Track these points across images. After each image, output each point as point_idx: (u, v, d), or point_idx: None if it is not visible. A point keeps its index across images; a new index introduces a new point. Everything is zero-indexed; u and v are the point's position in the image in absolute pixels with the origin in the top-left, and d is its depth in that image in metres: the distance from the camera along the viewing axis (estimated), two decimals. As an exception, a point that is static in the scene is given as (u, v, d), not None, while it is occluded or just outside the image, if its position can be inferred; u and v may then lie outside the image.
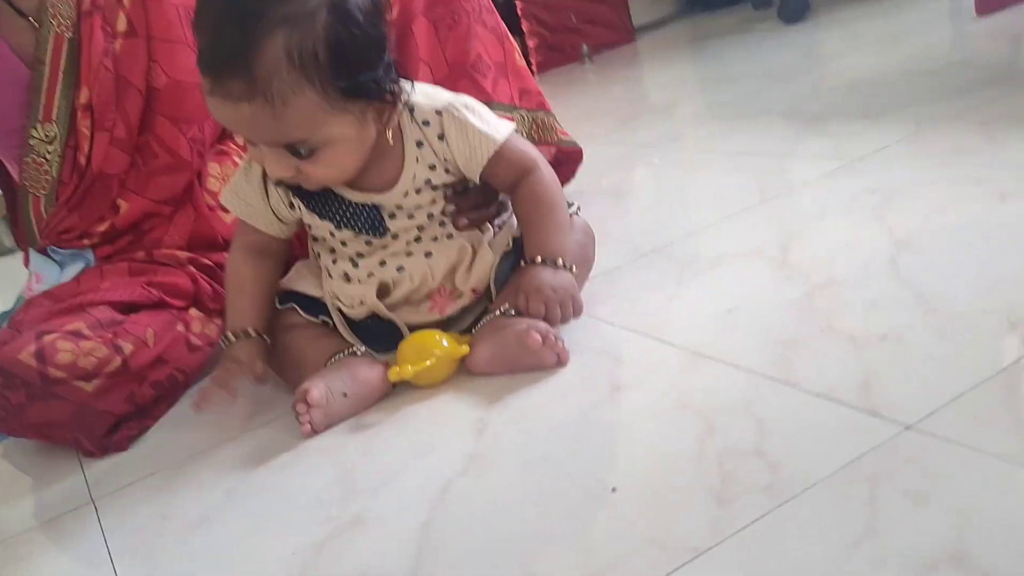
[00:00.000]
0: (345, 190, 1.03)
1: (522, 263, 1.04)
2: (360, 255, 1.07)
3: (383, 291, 1.08)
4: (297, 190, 1.03)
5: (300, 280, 1.13)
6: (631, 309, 1.10)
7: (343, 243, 1.07)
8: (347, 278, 1.09)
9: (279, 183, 1.02)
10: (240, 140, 1.35)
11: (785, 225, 1.25)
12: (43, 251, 1.26)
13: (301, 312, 1.11)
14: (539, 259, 1.02)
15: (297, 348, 1.09)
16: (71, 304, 1.14)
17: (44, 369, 1.07)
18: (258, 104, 0.88)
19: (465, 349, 1.02)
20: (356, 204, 1.04)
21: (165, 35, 1.24)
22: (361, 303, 1.09)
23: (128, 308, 1.17)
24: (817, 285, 1.03)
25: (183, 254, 1.26)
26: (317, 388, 0.98)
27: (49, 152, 1.22)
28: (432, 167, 1.04)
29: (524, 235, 1.06)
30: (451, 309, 1.10)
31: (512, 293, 1.04)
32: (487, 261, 1.09)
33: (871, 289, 0.98)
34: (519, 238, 1.09)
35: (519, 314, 1.00)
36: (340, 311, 1.11)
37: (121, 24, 1.23)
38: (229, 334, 1.08)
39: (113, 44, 1.22)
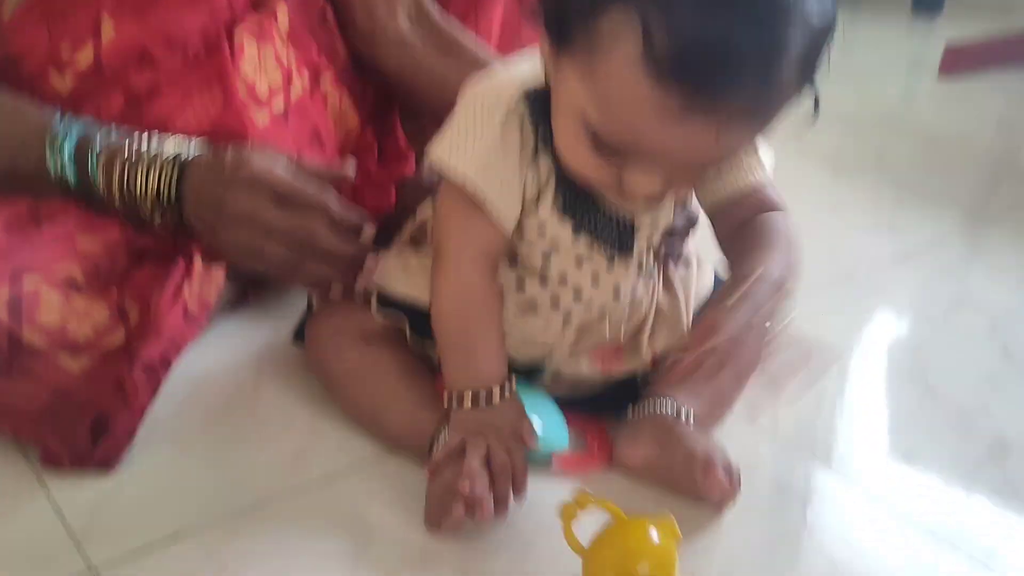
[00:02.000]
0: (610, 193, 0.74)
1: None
2: (562, 279, 0.78)
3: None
4: (562, 173, 0.73)
5: (412, 282, 0.81)
6: (779, 413, 0.92)
7: (546, 256, 0.77)
8: (532, 311, 0.79)
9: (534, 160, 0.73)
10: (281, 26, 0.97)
11: (896, 329, 1.12)
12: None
13: (408, 331, 0.81)
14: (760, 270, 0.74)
15: (385, 387, 0.80)
16: (59, 232, 0.75)
17: (18, 329, 0.70)
18: (755, 124, 0.64)
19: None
20: (612, 212, 0.76)
21: None
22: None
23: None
24: (992, 444, 0.91)
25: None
26: (487, 491, 0.70)
27: None
28: None
29: (736, 256, 0.79)
30: (617, 370, 0.84)
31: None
32: (682, 323, 0.84)
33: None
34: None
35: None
36: None
37: None
38: (495, 391, 0.74)
39: None
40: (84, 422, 0.74)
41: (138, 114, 0.89)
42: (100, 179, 0.79)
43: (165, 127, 0.89)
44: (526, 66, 0.74)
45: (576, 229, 0.75)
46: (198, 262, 0.86)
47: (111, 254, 0.77)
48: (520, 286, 0.78)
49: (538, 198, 0.74)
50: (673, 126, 0.61)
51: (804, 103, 0.67)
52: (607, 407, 0.84)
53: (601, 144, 0.66)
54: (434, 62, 1.00)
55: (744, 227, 0.79)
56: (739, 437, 0.86)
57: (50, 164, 0.80)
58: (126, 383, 0.77)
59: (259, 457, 0.78)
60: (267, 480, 0.76)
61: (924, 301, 1.20)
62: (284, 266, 0.80)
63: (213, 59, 0.90)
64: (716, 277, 0.88)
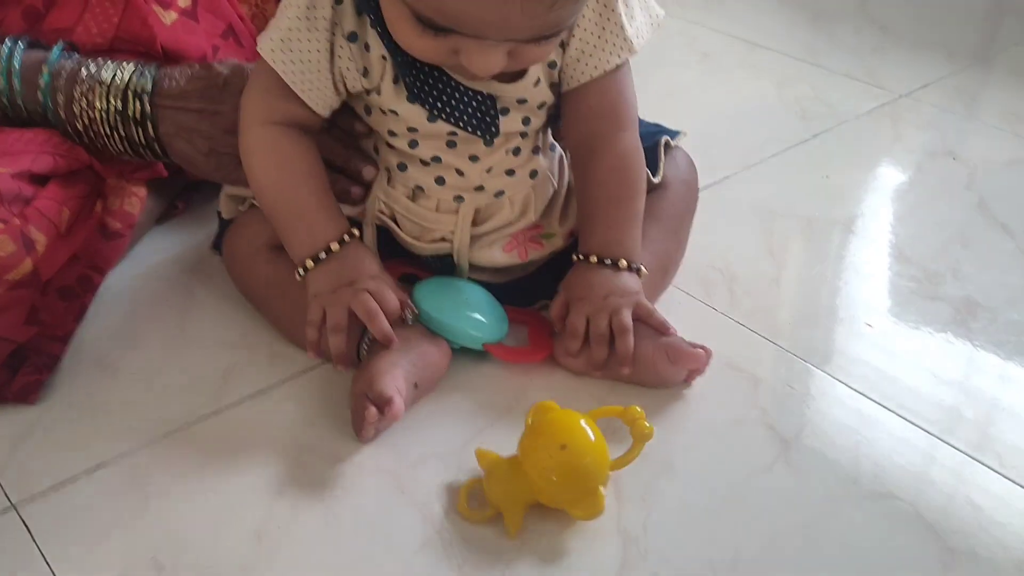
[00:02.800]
0: (458, 73, 0.70)
1: (574, 258, 0.77)
2: (436, 160, 0.74)
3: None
4: (400, 59, 0.68)
5: None
6: (734, 291, 0.88)
7: (412, 143, 0.74)
8: (421, 194, 0.76)
9: (344, 39, 0.69)
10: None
11: (863, 186, 1.06)
12: None
13: None
14: (594, 258, 0.76)
15: (303, 296, 0.76)
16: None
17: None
18: None
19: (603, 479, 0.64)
20: (467, 90, 0.70)
21: None
22: (443, 239, 0.78)
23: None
24: (958, 303, 0.87)
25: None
26: (400, 391, 0.68)
27: None
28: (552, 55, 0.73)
29: (583, 218, 0.78)
30: (536, 254, 0.81)
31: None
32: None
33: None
34: None
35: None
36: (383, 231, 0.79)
37: None
38: (334, 245, 0.72)
39: None
40: (-2, 356, 0.72)
41: (36, 29, 0.84)
42: (56, 101, 0.77)
43: (65, 37, 0.84)
44: None
45: (431, 117, 0.71)
46: (113, 179, 0.83)
47: (11, 182, 0.73)
48: (403, 168, 0.75)
49: (380, 85, 0.70)
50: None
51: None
52: (544, 290, 0.80)
53: (424, 22, 0.62)
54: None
55: (592, 168, 0.76)
56: (690, 317, 0.83)
57: None
58: (41, 312, 0.74)
59: (188, 377, 0.76)
60: (196, 400, 0.73)
61: (900, 154, 1.14)
62: None
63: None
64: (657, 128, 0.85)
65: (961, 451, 0.71)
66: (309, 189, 0.72)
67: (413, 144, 0.73)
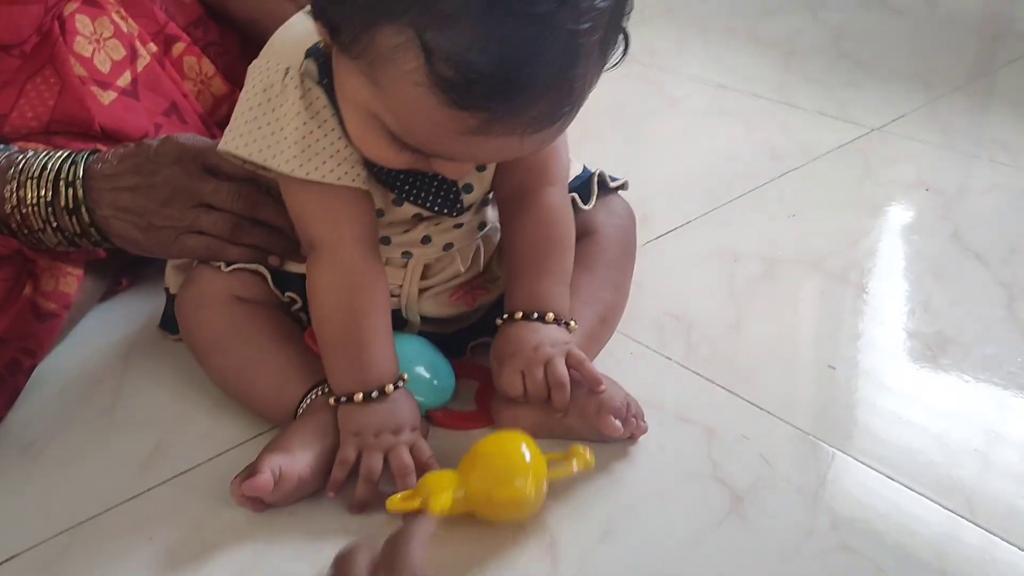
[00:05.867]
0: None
1: (498, 321, 0.74)
2: (391, 224, 0.73)
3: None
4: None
5: None
6: (691, 338, 0.84)
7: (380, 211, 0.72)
8: None
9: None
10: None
11: (832, 223, 1.02)
12: None
13: (271, 282, 0.76)
14: (519, 314, 0.72)
15: (252, 349, 0.74)
16: None
17: None
18: (559, 124, 0.59)
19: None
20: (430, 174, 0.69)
21: None
22: (391, 295, 0.75)
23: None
24: (928, 339, 0.82)
25: (36, 146, 0.82)
26: (277, 470, 0.65)
27: None
28: None
29: (509, 276, 0.75)
30: (484, 299, 0.79)
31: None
32: None
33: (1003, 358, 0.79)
34: None
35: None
36: None
37: None
38: (389, 387, 0.68)
39: None
40: (-87, 446, 0.69)
41: (-29, 117, 0.84)
42: None
43: (3, 126, 0.83)
44: (301, 27, 0.67)
45: (398, 200, 0.70)
46: (43, 260, 0.81)
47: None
48: None
49: (359, 172, 0.68)
50: (474, 142, 0.57)
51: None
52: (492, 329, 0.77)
53: (400, 143, 0.60)
54: (281, 4, 0.93)
55: (519, 223, 0.74)
56: (641, 367, 0.80)
57: None
58: (-36, 398, 0.72)
59: (112, 460, 0.73)
60: (118, 484, 0.70)
61: (871, 188, 1.10)
62: (220, 239, 0.75)
63: (44, 44, 0.84)
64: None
65: (927, 496, 0.66)
66: (374, 324, 0.68)
67: (380, 212, 0.72)
